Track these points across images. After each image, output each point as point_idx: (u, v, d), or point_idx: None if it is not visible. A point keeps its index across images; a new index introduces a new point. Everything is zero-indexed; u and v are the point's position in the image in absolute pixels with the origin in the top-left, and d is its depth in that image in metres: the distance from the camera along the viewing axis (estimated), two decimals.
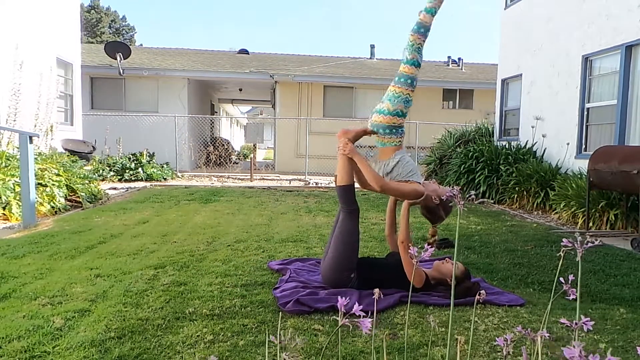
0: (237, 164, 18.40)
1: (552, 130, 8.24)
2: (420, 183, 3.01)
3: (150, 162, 11.84)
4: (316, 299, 2.77)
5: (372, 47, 20.42)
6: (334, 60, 19.11)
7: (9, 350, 2.10)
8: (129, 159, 11.53)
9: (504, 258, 4.19)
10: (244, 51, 20.84)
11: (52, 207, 6.01)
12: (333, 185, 10.02)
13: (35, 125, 8.52)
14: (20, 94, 8.04)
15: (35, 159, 6.10)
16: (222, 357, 2.08)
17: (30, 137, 5.34)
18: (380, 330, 2.44)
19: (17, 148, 5.87)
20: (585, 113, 7.50)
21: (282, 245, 4.43)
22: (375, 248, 4.35)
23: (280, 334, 0.99)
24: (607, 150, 5.70)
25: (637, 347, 0.91)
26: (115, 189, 9.06)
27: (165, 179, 11.42)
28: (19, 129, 6.36)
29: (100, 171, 10.37)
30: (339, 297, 1.12)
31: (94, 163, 10.77)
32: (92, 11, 41.67)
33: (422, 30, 3.02)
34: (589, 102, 7.45)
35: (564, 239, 1.22)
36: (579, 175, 6.77)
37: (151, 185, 10.18)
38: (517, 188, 7.67)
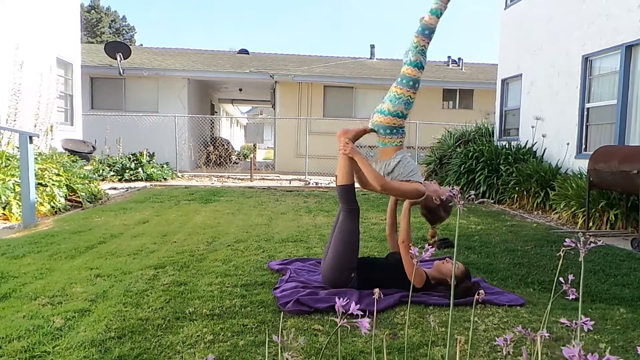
0: (237, 164, 18.41)
1: (552, 130, 8.24)
2: (421, 183, 3.01)
3: (150, 162, 11.84)
4: (316, 299, 2.77)
5: (372, 47, 20.43)
6: (334, 60, 19.11)
7: (9, 350, 2.10)
8: (129, 159, 11.53)
9: (504, 258, 4.19)
10: (244, 51, 20.85)
11: (52, 207, 6.01)
12: (333, 185, 10.02)
13: (35, 125, 8.52)
14: (21, 94, 8.05)
15: (35, 158, 6.10)
16: (222, 357, 2.08)
17: (30, 137, 5.34)
18: (380, 330, 2.44)
19: (17, 148, 5.87)
20: (585, 113, 7.50)
21: (282, 245, 4.43)
22: (375, 248, 4.35)
23: (284, 334, 0.99)
24: (607, 150, 5.70)
25: (637, 347, 0.91)
26: (115, 189, 9.06)
27: (165, 179, 11.42)
28: (19, 129, 6.36)
29: (100, 171, 10.37)
30: (337, 297, 1.12)
31: (94, 163, 10.77)
32: (92, 11, 41.68)
33: (427, 33, 2.99)
34: (589, 102, 7.45)
35: (567, 239, 1.21)
36: (579, 175, 6.77)
37: (151, 185, 10.18)
38: (517, 188, 7.67)
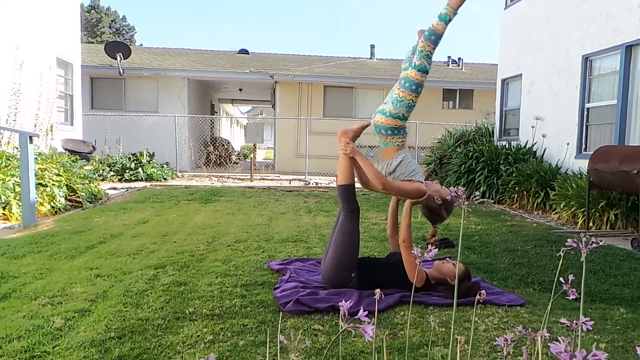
0: (237, 164, 18.41)
1: (552, 130, 8.24)
2: (422, 183, 3.01)
3: (150, 162, 11.84)
4: (316, 299, 2.77)
5: (372, 47, 20.43)
6: (334, 60, 19.11)
7: (9, 350, 2.10)
8: (129, 159, 11.53)
9: (504, 258, 4.19)
10: (244, 51, 20.85)
11: (52, 207, 6.01)
12: (333, 185, 10.02)
13: (35, 125, 8.52)
14: (20, 94, 8.05)
15: (35, 159, 6.10)
16: (222, 357, 2.08)
17: (30, 137, 5.34)
18: (381, 330, 2.44)
19: (17, 148, 5.87)
20: (585, 113, 7.50)
21: (282, 245, 4.43)
22: (375, 248, 4.35)
23: (287, 334, 0.99)
24: (607, 150, 5.70)
25: (637, 347, 0.91)
26: (115, 189, 9.06)
27: (165, 179, 11.42)
28: (19, 129, 6.36)
29: (100, 171, 10.36)
30: (343, 300, 1.12)
31: (94, 163, 10.77)
32: (92, 11, 41.68)
33: (433, 38, 2.96)
34: (589, 102, 7.45)
35: (568, 239, 1.21)
36: (579, 175, 6.77)
37: (151, 185, 10.18)
38: (517, 188, 7.67)
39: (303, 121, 14.60)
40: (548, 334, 1.09)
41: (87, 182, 7.23)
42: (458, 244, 3.74)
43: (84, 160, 8.94)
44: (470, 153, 8.90)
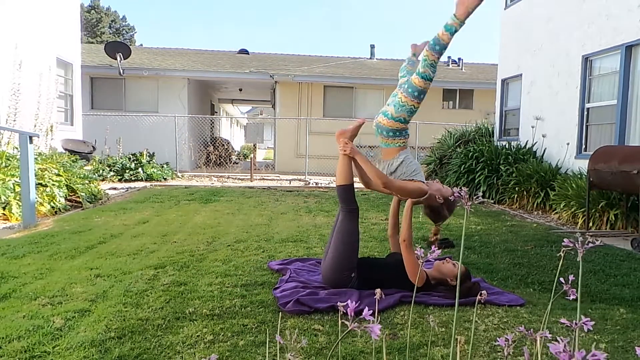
0: (237, 164, 18.41)
1: (552, 130, 8.24)
2: (424, 182, 3.01)
3: (150, 162, 11.84)
4: (316, 299, 2.77)
5: (372, 47, 20.43)
6: (334, 60, 19.11)
7: (9, 350, 2.10)
8: (129, 159, 11.53)
9: (504, 258, 4.19)
10: (244, 51, 20.84)
11: (52, 207, 6.01)
12: (333, 185, 10.01)
13: (35, 125, 8.52)
14: (20, 93, 8.05)
15: (35, 159, 6.10)
16: (222, 357, 2.08)
17: (30, 137, 5.34)
18: (380, 330, 2.44)
19: (17, 148, 5.87)
20: (585, 113, 7.50)
21: (282, 245, 4.43)
22: (375, 248, 4.35)
23: (287, 335, 0.99)
24: (607, 150, 5.70)
25: (637, 347, 0.91)
26: (115, 189, 9.06)
27: (165, 179, 11.42)
28: (19, 129, 6.36)
29: (100, 171, 10.37)
30: (349, 301, 1.12)
31: (94, 163, 10.77)
32: (92, 11, 41.67)
33: (438, 48, 2.95)
34: (589, 102, 7.45)
35: (565, 239, 1.21)
36: (579, 175, 6.77)
37: (151, 185, 10.18)
38: (517, 188, 7.67)
39: (303, 121, 14.60)
40: (549, 335, 1.09)
41: (87, 182, 7.23)
42: (459, 244, 3.73)
43: (84, 160, 8.94)
44: (470, 153, 8.90)
